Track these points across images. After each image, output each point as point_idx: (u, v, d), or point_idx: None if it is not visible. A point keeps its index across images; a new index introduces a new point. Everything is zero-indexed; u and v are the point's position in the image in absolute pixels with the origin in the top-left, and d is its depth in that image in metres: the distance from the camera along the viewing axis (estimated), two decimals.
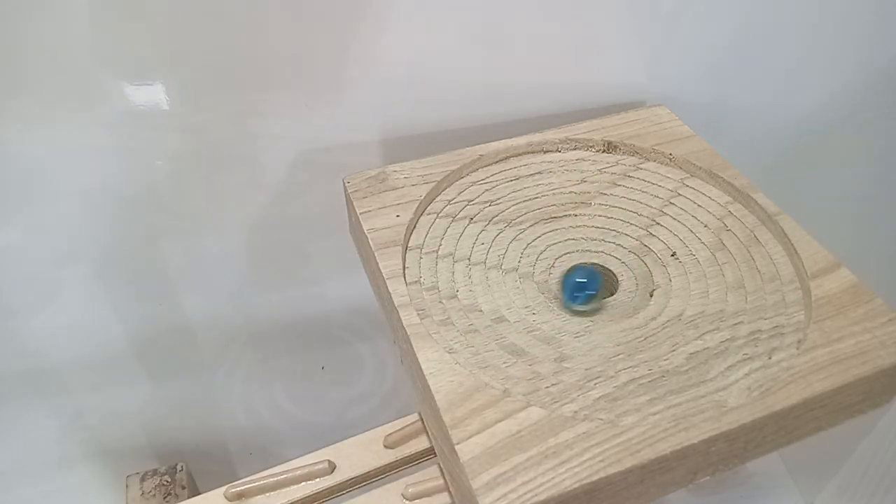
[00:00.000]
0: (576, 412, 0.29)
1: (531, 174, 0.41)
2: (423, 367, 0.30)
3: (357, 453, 0.39)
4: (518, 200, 0.40)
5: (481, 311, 0.33)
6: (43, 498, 0.60)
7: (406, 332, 0.31)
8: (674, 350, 0.32)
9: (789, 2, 0.47)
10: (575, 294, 0.33)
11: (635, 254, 0.37)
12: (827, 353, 0.31)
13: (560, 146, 0.43)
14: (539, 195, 0.40)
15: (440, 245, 0.37)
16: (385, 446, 0.39)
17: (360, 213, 0.37)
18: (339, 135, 0.45)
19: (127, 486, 0.53)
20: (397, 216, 0.37)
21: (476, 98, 0.46)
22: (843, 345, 0.31)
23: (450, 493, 0.37)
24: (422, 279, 0.35)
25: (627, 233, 0.38)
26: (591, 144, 0.43)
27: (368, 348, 0.62)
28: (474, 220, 0.38)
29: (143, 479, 0.54)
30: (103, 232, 0.45)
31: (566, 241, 0.38)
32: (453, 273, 0.35)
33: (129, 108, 0.40)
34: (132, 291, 0.50)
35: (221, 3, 0.37)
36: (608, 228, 0.38)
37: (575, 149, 0.43)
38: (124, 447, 0.59)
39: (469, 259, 0.36)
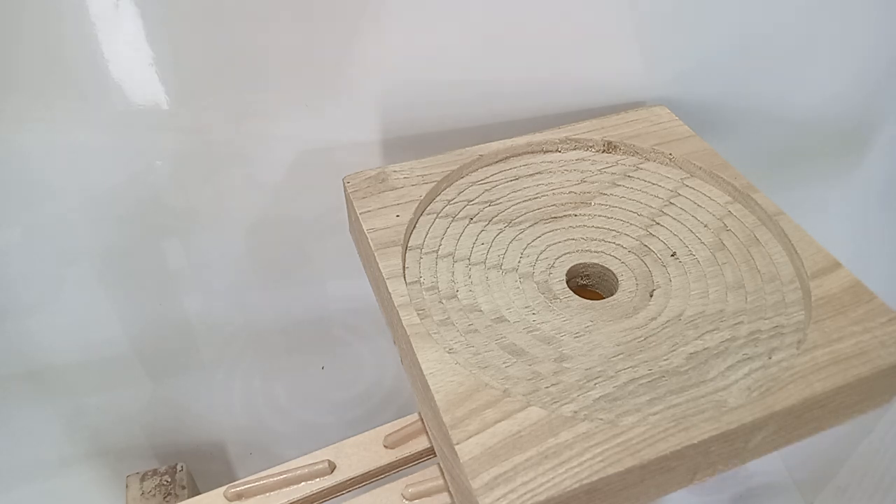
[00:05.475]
0: (576, 412, 0.29)
1: (531, 174, 0.41)
2: (423, 367, 0.30)
3: (357, 453, 0.39)
4: (518, 200, 0.40)
5: (481, 311, 0.33)
6: (43, 498, 0.60)
7: (406, 332, 0.31)
8: (674, 350, 0.32)
9: (789, 1, 0.47)
10: None
11: (635, 254, 0.37)
12: (827, 353, 0.31)
13: (560, 146, 0.43)
14: (539, 195, 0.40)
15: (440, 245, 0.37)
16: (385, 446, 0.39)
17: (360, 213, 0.37)
18: (339, 135, 0.45)
19: (127, 486, 0.53)
20: (397, 216, 0.37)
21: (476, 98, 0.46)
22: (843, 345, 0.31)
23: (450, 493, 0.37)
24: (422, 279, 0.35)
25: (627, 233, 0.38)
26: (591, 144, 0.43)
27: (368, 348, 0.62)
28: (474, 220, 0.38)
29: (143, 479, 0.54)
30: (103, 232, 0.45)
31: (566, 241, 0.38)
32: (453, 273, 0.35)
33: (128, 108, 0.40)
34: (132, 291, 0.50)
35: (222, 3, 0.37)
36: (608, 228, 0.38)
37: (575, 149, 0.43)
38: (124, 447, 0.59)
39: (469, 259, 0.36)
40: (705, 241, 0.37)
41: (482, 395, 0.29)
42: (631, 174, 0.41)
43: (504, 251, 0.37)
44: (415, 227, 0.37)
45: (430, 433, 0.33)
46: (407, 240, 0.36)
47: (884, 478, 0.60)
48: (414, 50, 0.42)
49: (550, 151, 0.43)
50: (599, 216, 0.39)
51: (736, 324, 0.33)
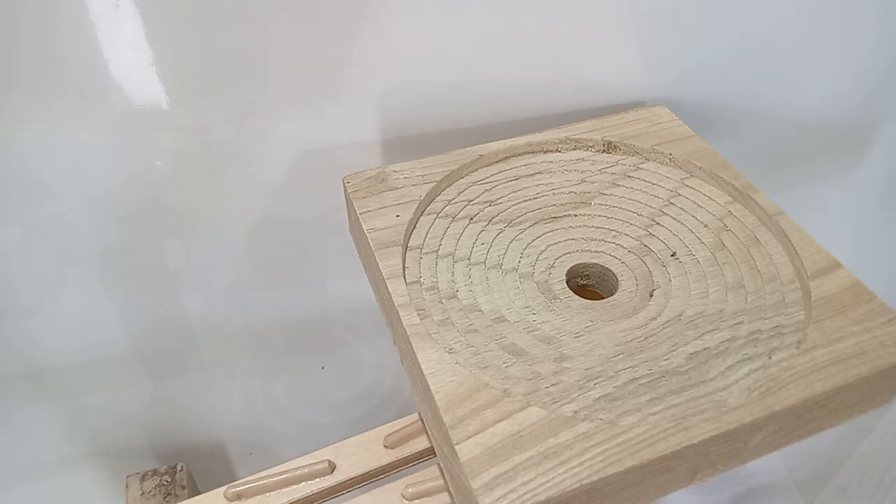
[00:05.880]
0: (576, 412, 0.29)
1: (531, 174, 0.41)
2: (423, 367, 0.30)
3: (357, 453, 0.39)
4: (518, 200, 0.40)
5: (481, 311, 0.33)
6: (43, 498, 0.60)
7: (406, 332, 0.31)
8: (674, 350, 0.32)
9: (789, 1, 0.47)
10: None
11: (635, 254, 0.37)
12: (827, 353, 0.31)
13: (560, 146, 0.43)
14: (539, 195, 0.40)
15: (440, 245, 0.37)
16: (385, 446, 0.39)
17: (360, 213, 0.37)
18: (339, 135, 0.45)
19: (127, 486, 0.53)
20: (397, 216, 0.37)
21: (476, 98, 0.46)
22: (843, 345, 0.31)
23: (450, 493, 0.37)
24: (422, 279, 0.35)
25: (627, 233, 0.38)
26: (591, 144, 0.43)
27: (368, 348, 0.62)
28: (474, 220, 0.38)
29: (143, 479, 0.54)
30: (103, 232, 0.45)
31: (566, 241, 0.38)
32: (453, 273, 0.35)
33: (128, 108, 0.40)
34: (132, 291, 0.50)
35: (222, 3, 0.37)
36: (608, 228, 0.38)
37: (575, 149, 0.43)
38: (124, 447, 0.59)
39: (469, 259, 0.36)
40: (705, 241, 0.37)
41: (482, 395, 0.29)
42: (631, 174, 0.41)
43: (504, 251, 0.37)
44: (415, 227, 0.37)
45: (430, 433, 0.33)
46: (407, 240, 0.36)
47: (884, 478, 0.60)
48: (414, 50, 0.42)
49: (550, 151, 0.43)
50: (599, 216, 0.39)
51: (736, 324, 0.33)
